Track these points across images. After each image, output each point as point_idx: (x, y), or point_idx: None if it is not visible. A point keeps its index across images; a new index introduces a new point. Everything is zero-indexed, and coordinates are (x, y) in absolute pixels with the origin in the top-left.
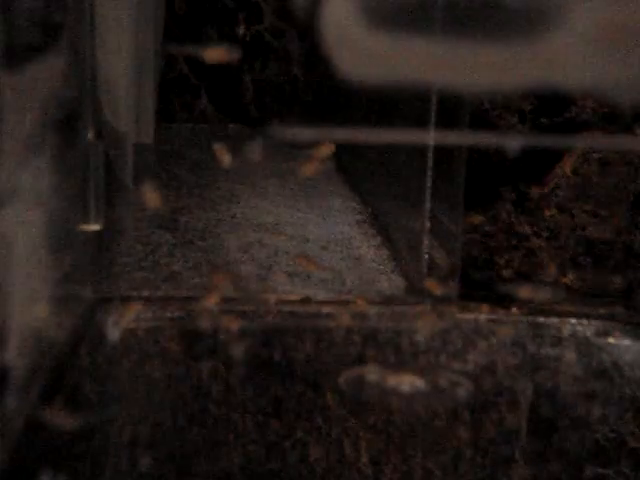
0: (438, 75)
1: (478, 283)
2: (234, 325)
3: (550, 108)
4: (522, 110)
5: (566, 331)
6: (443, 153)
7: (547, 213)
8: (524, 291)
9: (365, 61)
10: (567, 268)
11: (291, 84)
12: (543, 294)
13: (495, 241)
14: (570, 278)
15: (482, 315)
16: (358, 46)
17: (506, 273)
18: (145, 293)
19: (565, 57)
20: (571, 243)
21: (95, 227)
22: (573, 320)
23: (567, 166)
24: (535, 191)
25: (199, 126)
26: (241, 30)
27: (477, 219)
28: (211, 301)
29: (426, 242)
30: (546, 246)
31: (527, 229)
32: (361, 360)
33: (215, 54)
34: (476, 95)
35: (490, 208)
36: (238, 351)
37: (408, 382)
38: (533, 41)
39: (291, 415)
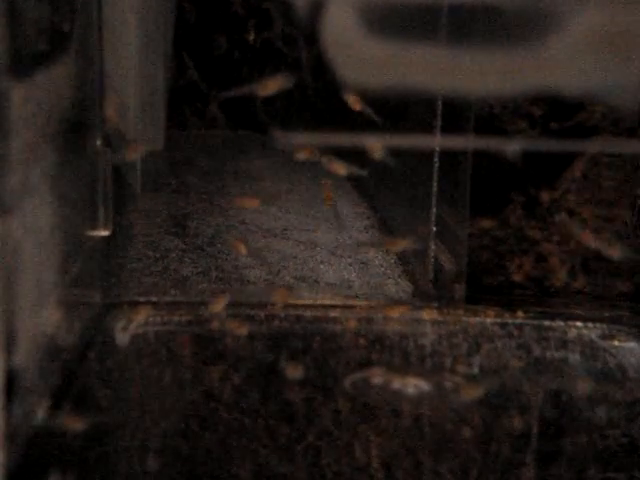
0: (443, 81)
1: (488, 288)
2: (242, 329)
3: (560, 113)
4: (532, 115)
5: (572, 334)
6: (449, 158)
7: (557, 217)
8: None
9: (371, 68)
10: (577, 272)
11: (300, 90)
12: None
13: (505, 246)
14: (580, 282)
15: (488, 319)
16: (364, 54)
17: (517, 277)
18: (154, 298)
19: (567, 62)
20: (581, 247)
21: (104, 233)
22: (579, 323)
23: (577, 170)
24: (545, 196)
25: (209, 132)
26: (251, 37)
27: (487, 224)
28: (218, 307)
29: (432, 246)
30: (556, 250)
31: (537, 234)
32: (367, 363)
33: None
34: (481, 100)
35: (500, 213)
36: (246, 355)
37: (414, 385)
38: (535, 47)
39: (302, 419)
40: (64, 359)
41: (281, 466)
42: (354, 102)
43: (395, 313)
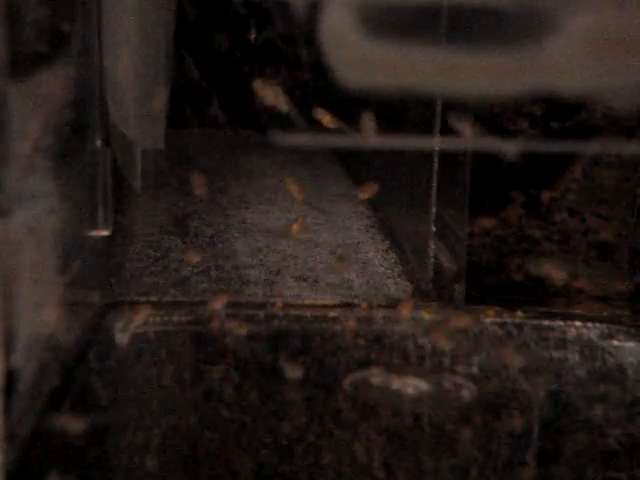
0: (443, 81)
1: (488, 287)
2: (242, 329)
3: (560, 112)
4: (532, 114)
5: (571, 334)
6: (448, 158)
7: (558, 217)
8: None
9: (370, 69)
10: (578, 272)
11: (301, 90)
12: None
13: (506, 245)
14: (581, 282)
15: (488, 318)
16: (363, 54)
17: (517, 277)
18: (154, 298)
19: (566, 63)
20: (582, 247)
21: (104, 233)
22: (578, 323)
23: (577, 170)
24: (546, 195)
25: (210, 132)
26: (252, 36)
27: (488, 223)
28: (217, 305)
29: (432, 246)
30: (557, 250)
31: (538, 233)
32: (367, 363)
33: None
34: (480, 100)
35: (501, 212)
36: (246, 355)
37: (413, 385)
38: (534, 48)
39: (302, 419)
40: (63, 359)
41: (281, 465)
42: (326, 120)
43: (404, 311)
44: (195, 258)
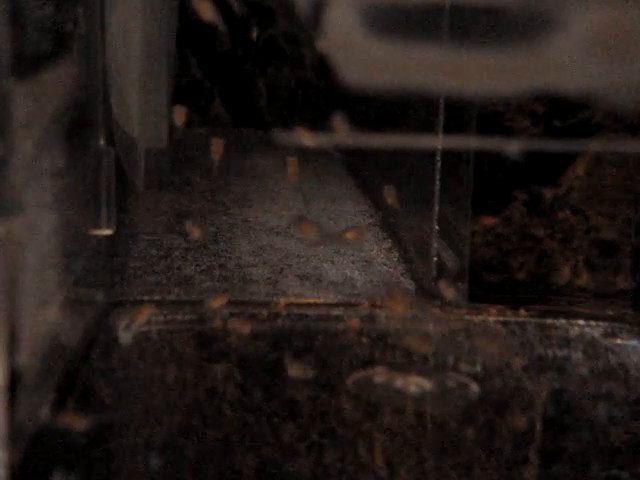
0: (445, 80)
1: (491, 286)
2: (245, 328)
3: (563, 111)
4: (535, 113)
5: (574, 332)
6: (451, 157)
7: (560, 215)
8: None
9: (373, 68)
10: (580, 270)
11: (304, 89)
12: None
13: (508, 243)
14: (584, 280)
15: (491, 317)
16: (366, 53)
17: (520, 275)
18: (157, 297)
19: (568, 61)
20: (585, 245)
21: (107, 232)
22: (581, 321)
23: (580, 168)
24: (548, 193)
25: (213, 130)
26: (254, 35)
27: (490, 221)
28: (217, 303)
29: (435, 245)
30: (560, 248)
31: (540, 231)
32: (370, 362)
33: None
34: (483, 99)
35: (503, 210)
36: (249, 353)
37: (416, 384)
38: (537, 46)
39: (305, 417)
40: (67, 358)
41: (285, 464)
42: (306, 137)
43: (399, 308)
44: (196, 232)
